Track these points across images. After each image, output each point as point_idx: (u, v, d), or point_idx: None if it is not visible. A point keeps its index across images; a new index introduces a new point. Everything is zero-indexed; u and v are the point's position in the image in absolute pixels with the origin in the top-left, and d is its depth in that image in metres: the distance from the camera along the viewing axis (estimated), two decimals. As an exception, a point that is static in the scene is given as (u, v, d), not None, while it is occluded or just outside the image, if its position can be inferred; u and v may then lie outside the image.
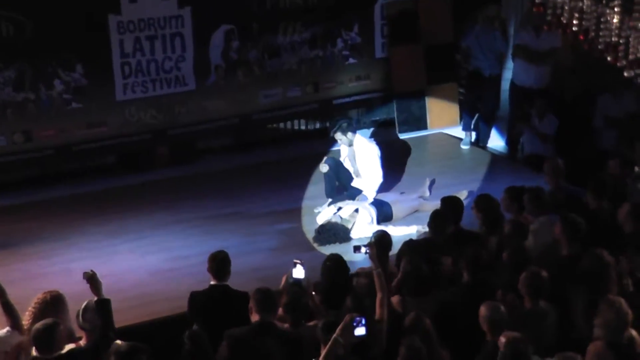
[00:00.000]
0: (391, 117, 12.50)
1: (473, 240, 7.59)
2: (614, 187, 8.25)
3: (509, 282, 6.61)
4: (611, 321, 5.90)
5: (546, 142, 10.98)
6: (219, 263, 6.90)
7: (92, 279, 6.29)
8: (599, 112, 10.89)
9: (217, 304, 6.79)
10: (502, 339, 5.79)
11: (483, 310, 6.05)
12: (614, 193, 8.19)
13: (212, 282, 6.88)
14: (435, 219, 7.80)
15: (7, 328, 6.30)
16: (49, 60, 10.32)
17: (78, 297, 6.47)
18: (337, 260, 7.13)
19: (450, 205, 7.98)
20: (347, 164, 9.86)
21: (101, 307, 6.25)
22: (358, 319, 5.90)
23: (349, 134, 9.75)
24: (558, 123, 10.99)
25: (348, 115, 12.24)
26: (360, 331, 5.90)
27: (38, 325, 6.02)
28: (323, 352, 5.79)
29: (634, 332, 5.96)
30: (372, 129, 12.38)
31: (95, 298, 6.28)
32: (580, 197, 8.37)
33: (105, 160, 11.15)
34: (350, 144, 9.79)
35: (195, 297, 6.87)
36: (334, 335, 5.81)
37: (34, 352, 5.98)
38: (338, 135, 9.78)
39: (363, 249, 6.82)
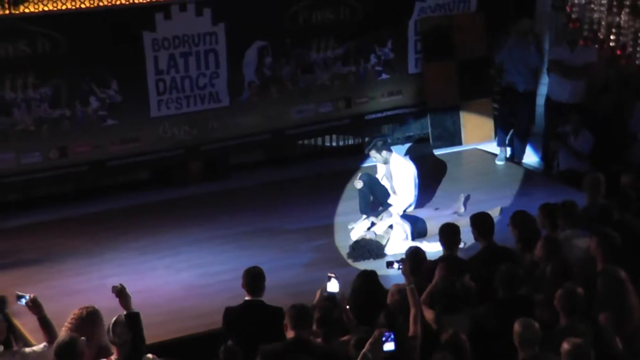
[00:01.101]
0: (425, 133, 12.53)
1: (505, 256, 7.57)
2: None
3: (549, 298, 6.61)
4: None
5: (581, 159, 10.95)
6: (253, 278, 6.93)
7: (121, 293, 6.32)
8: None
9: (251, 319, 6.83)
10: (565, 345, 5.82)
11: (517, 326, 6.03)
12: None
13: (247, 298, 6.91)
14: (444, 233, 7.80)
15: (44, 343, 6.35)
16: (84, 77, 10.39)
17: (113, 312, 6.43)
18: (368, 277, 7.11)
19: (480, 222, 7.93)
20: (385, 182, 9.87)
21: (131, 321, 6.24)
22: (387, 334, 5.90)
23: (384, 152, 9.78)
24: (593, 140, 10.96)
25: (380, 131, 12.31)
26: (389, 346, 5.89)
27: (59, 339, 6.06)
28: None
29: None
30: (408, 145, 12.42)
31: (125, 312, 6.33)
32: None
33: (139, 176, 11.21)
34: (386, 162, 9.82)
35: (230, 313, 6.91)
36: (363, 351, 5.81)
37: None
38: (373, 153, 9.82)
39: (396, 265, 6.86)
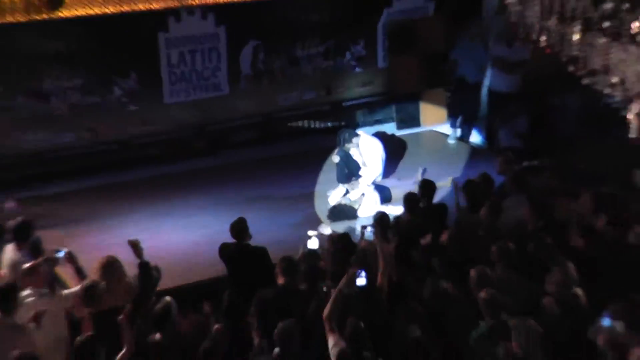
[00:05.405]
0: (391, 117, 12.61)
1: (441, 211, 7.64)
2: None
3: (485, 253, 6.60)
4: (560, 281, 6.02)
5: (519, 137, 11.07)
6: (234, 228, 7.05)
7: (135, 246, 6.41)
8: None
9: (239, 254, 6.98)
10: (482, 295, 5.73)
11: (483, 294, 5.74)
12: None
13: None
14: (409, 201, 7.75)
15: (78, 287, 6.39)
16: (110, 70, 10.41)
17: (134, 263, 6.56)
18: (344, 237, 7.09)
19: (426, 187, 7.92)
20: (357, 157, 9.95)
21: (142, 269, 6.36)
22: (359, 271, 5.92)
23: (354, 140, 9.81)
24: (528, 125, 11.05)
25: (354, 117, 12.37)
26: (361, 281, 5.91)
27: (83, 284, 6.21)
28: (330, 300, 5.78)
29: (579, 291, 6.02)
30: (376, 127, 12.44)
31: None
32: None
33: (154, 151, 11.23)
34: (358, 146, 9.88)
35: (224, 247, 7.08)
36: (339, 286, 5.81)
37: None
38: (347, 147, 9.79)
39: (369, 228, 6.97)
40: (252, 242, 7.10)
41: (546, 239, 6.71)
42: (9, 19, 9.28)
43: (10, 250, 6.92)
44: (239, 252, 6.97)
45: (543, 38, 8.33)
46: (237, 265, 6.95)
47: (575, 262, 6.23)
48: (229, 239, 7.39)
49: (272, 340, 5.59)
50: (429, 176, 9.86)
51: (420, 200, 7.78)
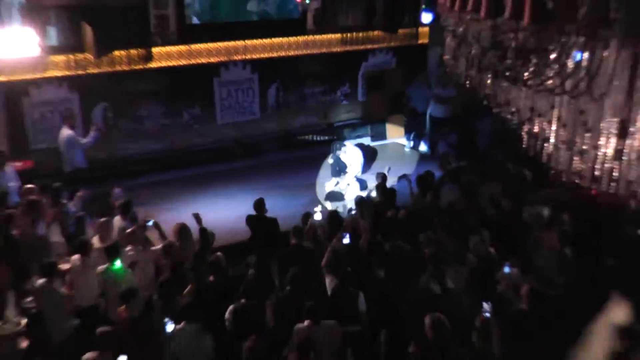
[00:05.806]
0: (367, 133, 12.64)
1: (393, 194, 7.57)
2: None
3: (430, 223, 6.67)
4: (478, 242, 5.99)
5: (451, 147, 11.04)
6: (255, 204, 7.07)
7: (197, 217, 6.50)
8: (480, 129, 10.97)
9: (257, 222, 6.99)
10: (427, 251, 5.67)
11: (427, 251, 5.68)
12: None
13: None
14: (380, 188, 7.78)
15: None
16: (182, 102, 10.43)
17: (197, 229, 6.57)
18: (334, 213, 7.11)
19: (382, 178, 7.94)
20: (345, 159, 9.94)
21: (202, 233, 6.37)
22: (345, 233, 6.02)
23: (342, 148, 9.84)
24: (457, 140, 11.06)
25: (342, 133, 12.31)
26: (345, 240, 5.99)
27: (164, 244, 6.16)
28: (327, 253, 5.82)
29: (491, 249, 5.97)
30: (357, 140, 12.39)
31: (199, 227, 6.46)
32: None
33: (209, 156, 11.09)
34: (345, 152, 9.91)
35: (249, 217, 7.08)
36: (332, 244, 5.91)
37: None
38: (337, 153, 9.80)
39: (354, 210, 6.95)
40: (274, 215, 7.07)
41: (470, 214, 6.75)
42: (118, 68, 9.35)
43: (117, 220, 6.95)
44: (257, 220, 6.97)
45: (467, 82, 8.37)
46: (256, 229, 6.94)
47: (489, 230, 6.27)
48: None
49: (286, 281, 5.57)
50: (392, 172, 9.93)
51: (387, 188, 7.80)
